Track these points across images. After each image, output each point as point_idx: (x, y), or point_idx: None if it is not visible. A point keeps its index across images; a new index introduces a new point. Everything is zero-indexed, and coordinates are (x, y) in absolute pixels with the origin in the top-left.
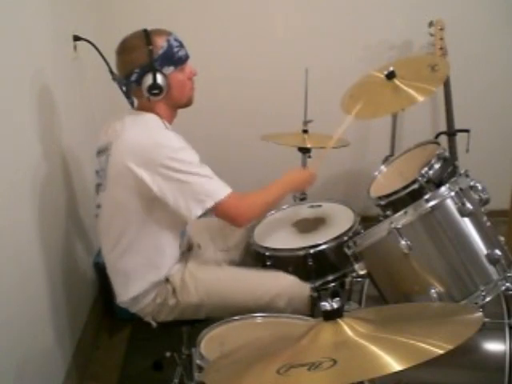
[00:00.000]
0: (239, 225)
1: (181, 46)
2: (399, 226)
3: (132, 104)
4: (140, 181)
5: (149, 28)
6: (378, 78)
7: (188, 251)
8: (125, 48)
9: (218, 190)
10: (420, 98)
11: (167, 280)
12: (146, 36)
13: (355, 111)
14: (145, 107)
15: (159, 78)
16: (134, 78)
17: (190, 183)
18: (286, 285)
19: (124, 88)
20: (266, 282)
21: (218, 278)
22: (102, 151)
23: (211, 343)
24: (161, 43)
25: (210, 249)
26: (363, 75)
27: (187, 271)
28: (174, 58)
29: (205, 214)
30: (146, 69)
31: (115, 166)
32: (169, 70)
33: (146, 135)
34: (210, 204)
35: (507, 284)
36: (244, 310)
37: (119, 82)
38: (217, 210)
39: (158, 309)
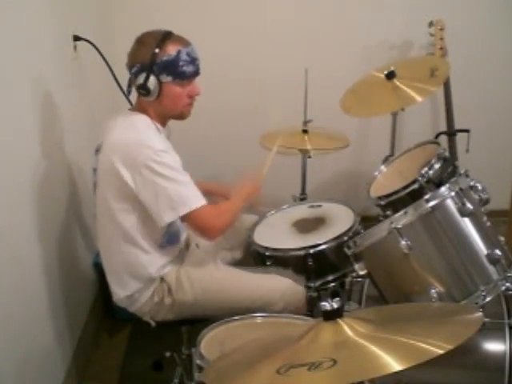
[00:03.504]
0: (211, 235)
1: (191, 62)
2: (399, 226)
3: (129, 93)
4: (122, 180)
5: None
6: (378, 78)
7: (186, 250)
8: (139, 40)
9: (193, 200)
10: (419, 98)
11: (162, 279)
12: (162, 38)
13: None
14: (139, 107)
15: (151, 81)
16: (133, 70)
17: (166, 188)
18: (282, 289)
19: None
20: (261, 284)
21: (213, 278)
22: (98, 150)
23: (211, 343)
24: (170, 51)
25: (210, 248)
26: (363, 75)
27: (183, 270)
28: (176, 70)
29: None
30: (144, 68)
31: (104, 165)
32: (166, 78)
33: (131, 135)
34: (182, 212)
35: (507, 284)
36: (239, 311)
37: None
38: (189, 219)
39: (156, 308)
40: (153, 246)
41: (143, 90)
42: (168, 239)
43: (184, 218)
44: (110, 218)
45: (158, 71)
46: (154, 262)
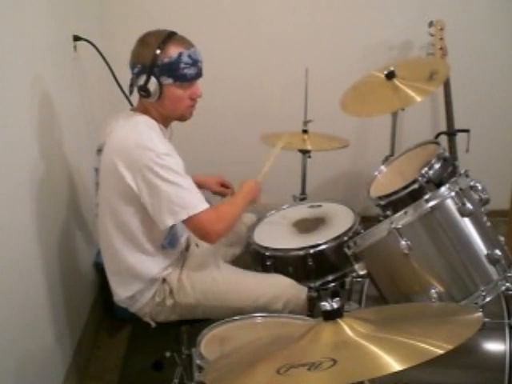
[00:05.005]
0: (211, 240)
1: (193, 64)
2: (399, 226)
3: (131, 92)
4: (125, 182)
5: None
6: (378, 78)
7: (186, 251)
8: (141, 41)
9: (195, 204)
10: (419, 98)
11: (164, 280)
12: (164, 39)
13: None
14: (141, 108)
15: (151, 83)
16: (135, 71)
17: (168, 192)
18: (283, 287)
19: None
20: (263, 284)
21: (215, 279)
22: (100, 150)
23: (211, 343)
24: (171, 53)
25: (210, 247)
26: (363, 75)
27: (184, 272)
28: (177, 73)
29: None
30: (145, 69)
31: (105, 165)
32: (167, 80)
33: (132, 136)
34: (183, 216)
35: (507, 284)
36: (241, 312)
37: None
38: (190, 223)
39: (157, 309)
40: (155, 247)
41: (143, 91)
42: (169, 241)
43: (185, 222)
44: (112, 219)
45: (159, 73)
46: (156, 263)
